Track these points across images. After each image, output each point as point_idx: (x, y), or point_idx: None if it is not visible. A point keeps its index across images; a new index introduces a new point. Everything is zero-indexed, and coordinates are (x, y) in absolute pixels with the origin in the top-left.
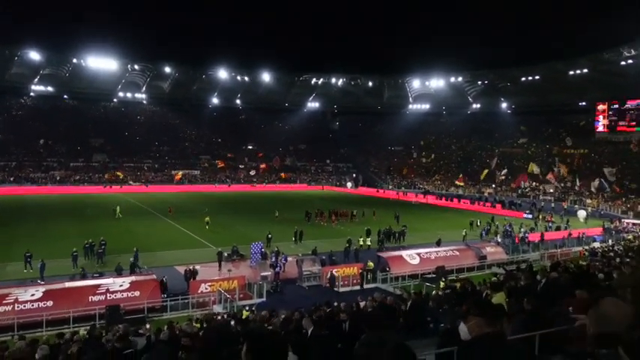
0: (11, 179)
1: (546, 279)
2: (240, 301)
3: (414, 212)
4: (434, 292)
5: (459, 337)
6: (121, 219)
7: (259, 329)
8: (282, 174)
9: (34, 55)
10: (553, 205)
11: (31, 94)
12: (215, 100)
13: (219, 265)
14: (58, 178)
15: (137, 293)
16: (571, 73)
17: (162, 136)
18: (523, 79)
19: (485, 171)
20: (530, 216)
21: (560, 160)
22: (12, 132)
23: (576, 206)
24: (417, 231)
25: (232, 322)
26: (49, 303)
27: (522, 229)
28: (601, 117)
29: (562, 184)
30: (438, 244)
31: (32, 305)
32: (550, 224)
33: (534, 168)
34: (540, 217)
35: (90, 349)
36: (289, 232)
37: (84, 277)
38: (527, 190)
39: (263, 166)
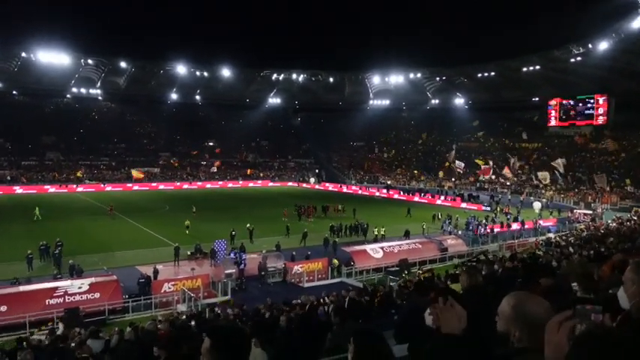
0: None
1: (502, 269)
2: (204, 299)
3: (377, 207)
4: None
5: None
6: (39, 221)
7: (222, 324)
8: (248, 170)
9: None
10: (510, 197)
11: None
12: (174, 96)
13: (176, 262)
14: (8, 177)
15: (97, 295)
16: (524, 70)
17: (119, 133)
18: (479, 75)
19: (447, 164)
20: (488, 208)
21: (515, 154)
22: None
23: (532, 198)
24: (380, 225)
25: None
26: (3, 308)
27: (483, 221)
28: (553, 112)
29: (517, 178)
30: (407, 235)
31: None
32: (508, 216)
33: (482, 163)
34: (498, 209)
35: (45, 355)
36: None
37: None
38: (485, 184)
39: (218, 163)
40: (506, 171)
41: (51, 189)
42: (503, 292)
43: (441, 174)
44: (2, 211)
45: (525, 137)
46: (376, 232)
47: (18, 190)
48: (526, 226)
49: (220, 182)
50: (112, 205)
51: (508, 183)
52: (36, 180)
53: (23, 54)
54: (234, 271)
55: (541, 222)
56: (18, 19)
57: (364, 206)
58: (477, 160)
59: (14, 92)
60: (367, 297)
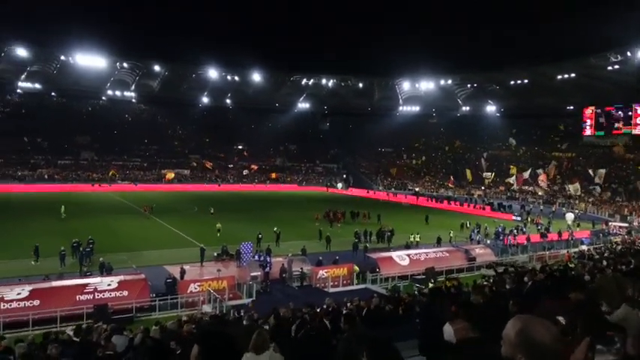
0: None
1: (532, 281)
2: (229, 301)
3: (405, 213)
4: (422, 292)
5: (441, 337)
6: (73, 219)
7: (211, 330)
8: (273, 174)
9: (21, 52)
10: (542, 207)
11: (18, 90)
12: (205, 100)
13: (202, 262)
14: (45, 176)
15: (125, 293)
16: (559, 77)
17: (152, 134)
18: (512, 82)
19: (468, 171)
20: (519, 218)
21: (550, 163)
22: None
23: (564, 209)
24: (407, 232)
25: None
26: (36, 302)
27: (513, 230)
28: (588, 121)
29: (549, 188)
30: (439, 243)
31: (18, 304)
32: (539, 226)
33: (515, 171)
34: (529, 219)
35: (71, 350)
36: (288, 232)
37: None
38: (515, 193)
39: (254, 167)
40: (542, 178)
41: (84, 188)
42: (529, 307)
43: (469, 176)
44: (39, 208)
45: (564, 146)
46: (411, 239)
47: (53, 188)
48: (560, 237)
49: (249, 185)
50: (148, 206)
51: (540, 193)
52: (70, 179)
53: (62, 57)
54: (259, 273)
55: (574, 234)
56: (57, 23)
57: (391, 213)
58: (511, 169)
59: (53, 94)
60: (391, 305)
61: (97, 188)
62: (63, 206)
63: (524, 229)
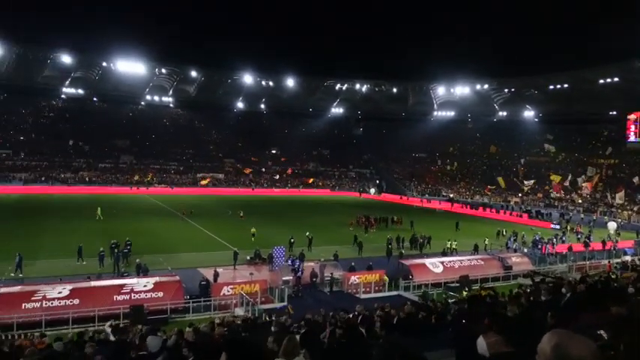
0: (42, 179)
1: (572, 292)
2: (261, 304)
3: (438, 220)
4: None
5: (475, 350)
6: (112, 220)
7: (238, 338)
8: (309, 179)
9: (66, 59)
10: (582, 215)
11: (62, 96)
12: (240, 105)
13: (234, 266)
14: (87, 179)
15: (161, 294)
16: (601, 82)
17: (188, 139)
18: (551, 87)
19: (500, 179)
20: (557, 226)
21: (592, 170)
22: (43, 133)
23: (606, 218)
24: (442, 239)
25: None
26: (76, 301)
27: (553, 240)
28: (632, 127)
29: (590, 196)
30: (476, 250)
31: (59, 302)
32: (579, 235)
33: (556, 178)
34: (569, 227)
35: (106, 350)
36: (320, 237)
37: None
38: (554, 201)
39: (289, 171)
40: (587, 185)
41: (123, 190)
42: (567, 320)
43: (502, 183)
44: (82, 209)
45: (608, 152)
46: (448, 245)
47: (93, 190)
48: (604, 247)
49: (282, 189)
50: (187, 209)
51: (580, 200)
52: (110, 181)
53: (104, 63)
54: (291, 277)
55: (616, 243)
56: (101, 30)
57: (425, 219)
58: (551, 176)
59: (94, 99)
60: (424, 312)
61: (134, 191)
62: (99, 208)
63: (563, 238)
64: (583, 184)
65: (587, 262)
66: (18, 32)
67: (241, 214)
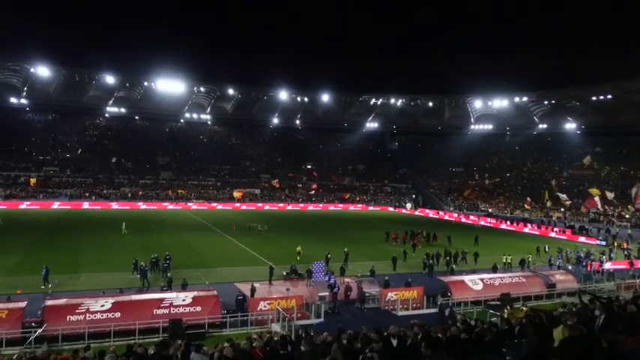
0: (87, 194)
1: (624, 313)
2: (297, 320)
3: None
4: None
5: None
6: (126, 235)
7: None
8: (345, 194)
9: (110, 79)
10: (629, 231)
11: (106, 115)
12: (275, 120)
13: (270, 280)
14: (129, 194)
15: (199, 308)
16: None
17: (224, 155)
18: (594, 98)
19: (545, 192)
20: (603, 243)
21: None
22: (88, 150)
23: None
24: (482, 255)
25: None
26: (117, 314)
27: (601, 257)
28: None
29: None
30: (522, 266)
31: (102, 316)
32: (626, 252)
33: (595, 192)
34: (615, 244)
35: None
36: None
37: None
38: (599, 216)
39: (323, 186)
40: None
41: (163, 206)
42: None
43: (548, 204)
44: (118, 225)
45: None
46: (504, 260)
47: (134, 205)
48: None
49: (318, 205)
50: (234, 225)
51: (627, 215)
52: (151, 197)
53: (145, 83)
54: (327, 293)
55: None
56: (142, 52)
57: (463, 234)
58: (590, 190)
59: (136, 117)
60: (466, 332)
61: (174, 206)
62: (124, 223)
63: (611, 255)
64: (637, 196)
65: (638, 281)
66: (65, 55)
67: (264, 228)
